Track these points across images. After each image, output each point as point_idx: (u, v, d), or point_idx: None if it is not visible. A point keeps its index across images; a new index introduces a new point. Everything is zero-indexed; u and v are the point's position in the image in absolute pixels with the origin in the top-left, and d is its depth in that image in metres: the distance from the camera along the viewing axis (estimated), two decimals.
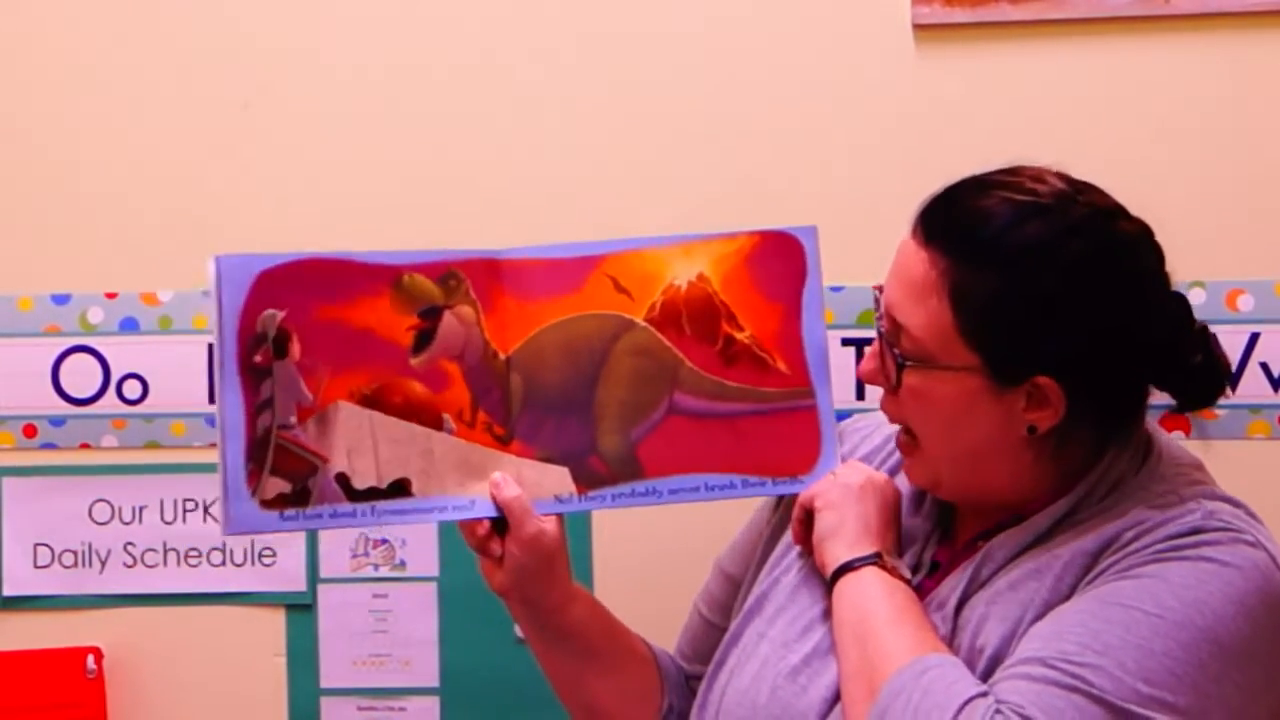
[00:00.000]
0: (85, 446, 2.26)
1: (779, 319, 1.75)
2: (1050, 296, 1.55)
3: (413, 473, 1.68)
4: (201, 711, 2.27)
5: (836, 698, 1.59)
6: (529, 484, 1.69)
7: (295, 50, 2.23)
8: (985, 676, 1.52)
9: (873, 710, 1.50)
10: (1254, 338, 2.10)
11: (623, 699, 1.80)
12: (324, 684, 2.25)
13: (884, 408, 1.67)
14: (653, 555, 2.00)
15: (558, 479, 1.72)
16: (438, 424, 1.69)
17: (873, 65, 2.14)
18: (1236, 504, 1.60)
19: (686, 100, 2.18)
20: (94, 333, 2.25)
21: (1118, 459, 1.62)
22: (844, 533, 1.65)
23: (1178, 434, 2.11)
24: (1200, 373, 1.64)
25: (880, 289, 1.65)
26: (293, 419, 1.65)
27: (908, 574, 1.63)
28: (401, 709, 2.25)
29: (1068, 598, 1.54)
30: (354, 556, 2.24)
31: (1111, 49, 2.11)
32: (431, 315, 1.69)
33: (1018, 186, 1.59)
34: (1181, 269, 2.09)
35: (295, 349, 1.65)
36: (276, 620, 2.26)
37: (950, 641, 1.57)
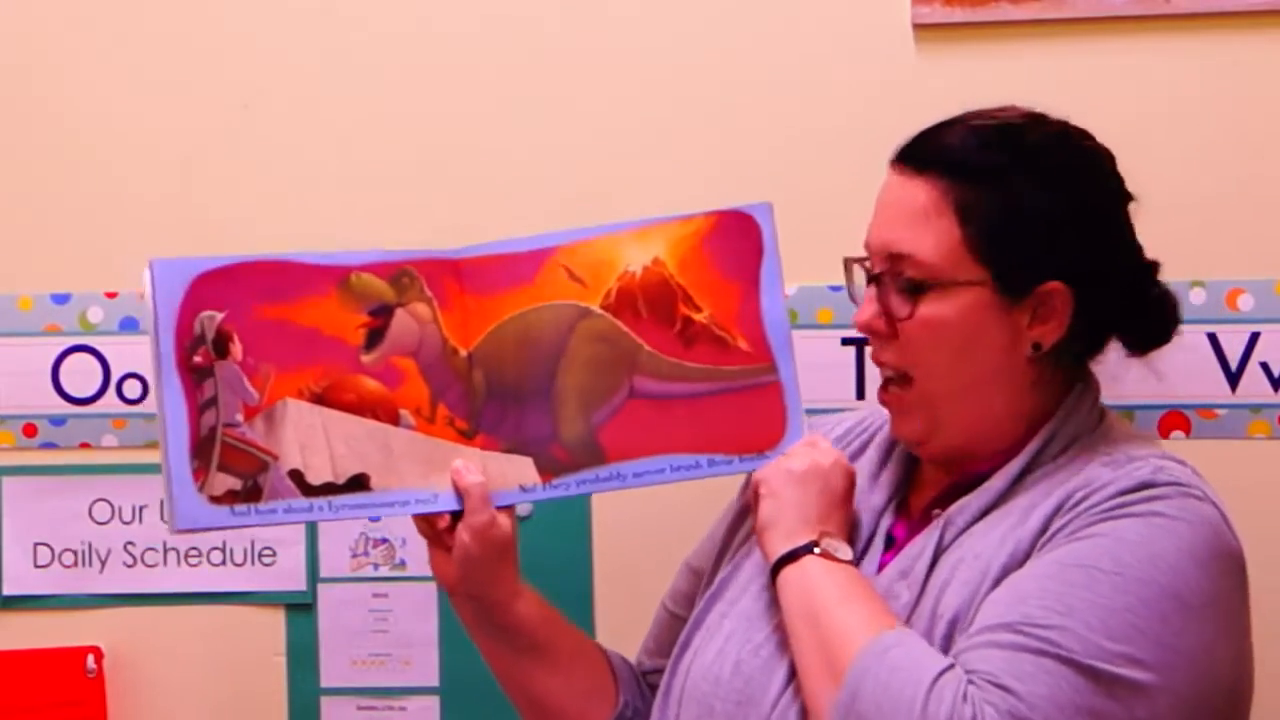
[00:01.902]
0: (85, 446, 2.26)
1: (738, 297, 1.76)
2: (1046, 203, 1.63)
3: (371, 468, 1.69)
4: (201, 711, 2.27)
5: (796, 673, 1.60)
6: (494, 476, 1.71)
7: (295, 51, 2.23)
8: (946, 642, 1.54)
9: (841, 693, 1.51)
10: (1254, 338, 2.09)
11: (571, 696, 1.81)
12: (324, 683, 2.26)
13: (880, 359, 1.68)
14: (653, 556, 1.99)
15: (522, 469, 1.73)
16: (395, 420, 1.71)
17: (873, 65, 2.14)
18: (1184, 463, 1.64)
19: (686, 100, 2.18)
20: (94, 332, 2.25)
21: (1076, 410, 1.66)
22: (781, 523, 1.66)
23: (1178, 434, 2.11)
24: (1159, 305, 1.72)
25: (850, 260, 1.70)
26: (239, 417, 1.67)
27: (847, 555, 1.64)
28: (402, 708, 2.25)
29: (1024, 561, 1.56)
30: (354, 556, 2.24)
31: (1111, 49, 2.11)
32: (383, 313, 1.71)
33: (987, 115, 1.69)
34: (1181, 269, 2.10)
35: (237, 349, 1.67)
36: (276, 620, 2.26)
37: (914, 609, 1.59)
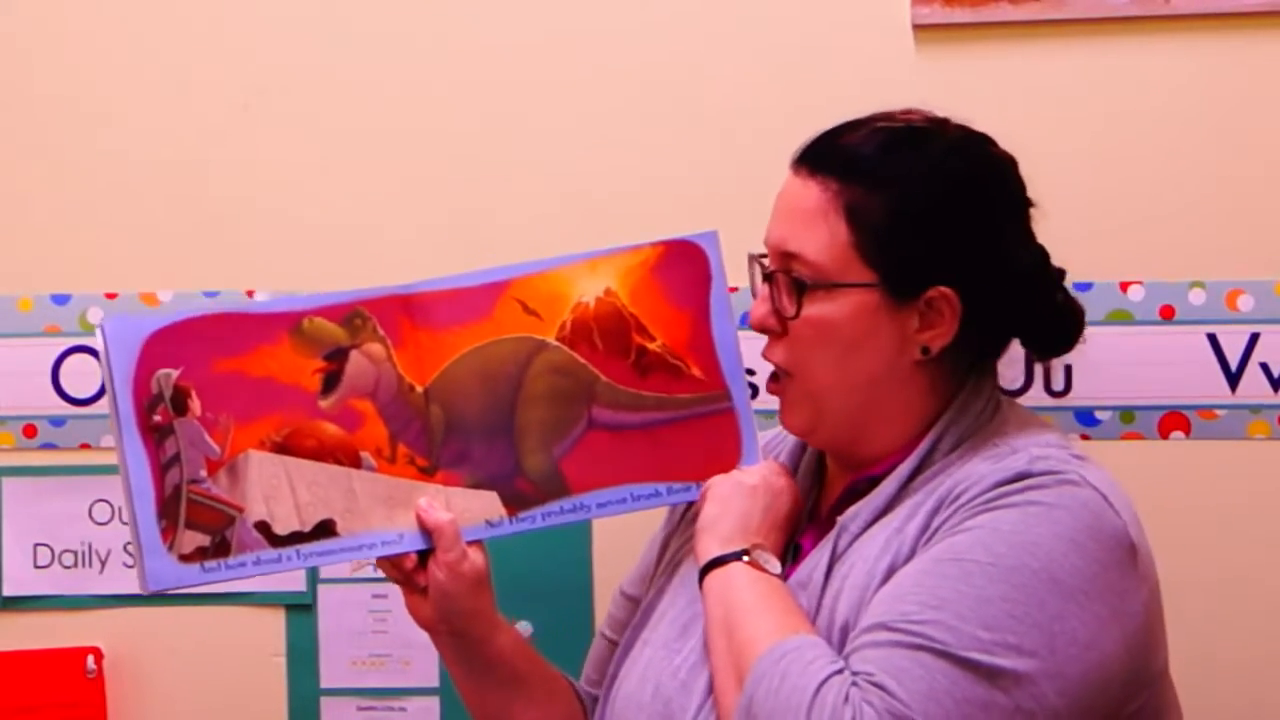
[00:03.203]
0: (85, 447, 2.26)
1: (689, 326, 1.78)
2: (938, 209, 1.64)
3: (336, 513, 1.70)
4: (201, 712, 2.26)
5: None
6: (459, 511, 1.72)
7: (295, 52, 2.23)
8: (841, 650, 1.54)
9: (740, 700, 1.53)
10: (1254, 338, 2.09)
11: None
12: (324, 684, 2.25)
13: (769, 356, 1.70)
14: None
15: (487, 504, 1.74)
16: (356, 463, 1.72)
17: (873, 65, 2.14)
18: (1066, 447, 1.64)
19: (686, 100, 2.18)
20: (94, 333, 2.24)
21: (965, 409, 1.67)
22: (719, 528, 1.68)
23: (1177, 434, 2.11)
24: (1061, 312, 1.72)
25: (754, 258, 1.71)
26: (202, 473, 1.67)
27: (775, 569, 1.65)
28: (401, 709, 2.25)
29: (908, 562, 1.57)
30: None
31: (1111, 49, 2.11)
32: (337, 356, 1.72)
33: (891, 118, 1.70)
34: (1181, 269, 2.10)
35: (195, 404, 1.68)
36: (276, 620, 2.26)
37: (814, 619, 1.60)
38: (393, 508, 1.71)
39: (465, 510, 1.73)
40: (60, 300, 2.25)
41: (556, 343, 1.76)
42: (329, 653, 2.25)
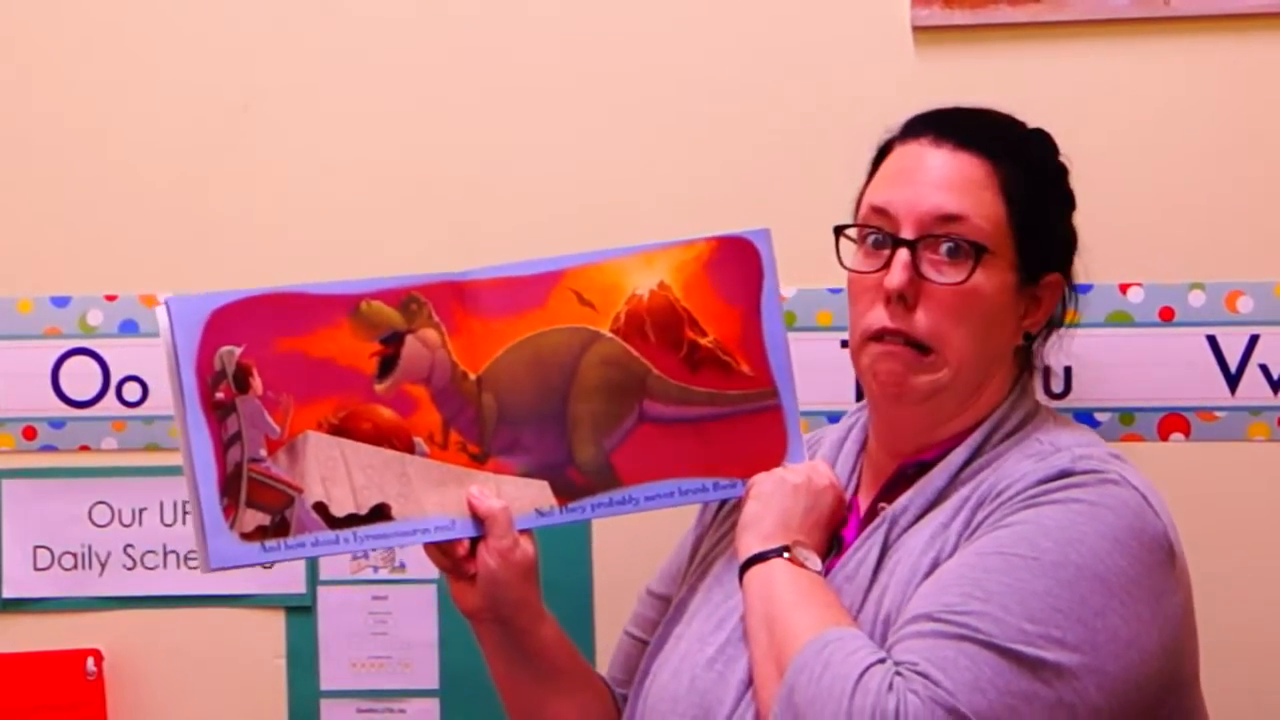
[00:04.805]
0: (85, 449, 2.26)
1: (740, 322, 1.78)
2: (1061, 197, 1.73)
3: (390, 497, 1.70)
4: (201, 713, 2.26)
5: (751, 681, 1.62)
6: (510, 499, 1.72)
7: (295, 52, 2.23)
8: (884, 642, 1.55)
9: (780, 689, 1.54)
10: (1254, 339, 2.09)
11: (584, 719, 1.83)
12: (324, 686, 2.25)
13: (903, 327, 1.66)
14: (653, 562, 1.99)
15: (538, 492, 1.74)
16: (410, 448, 1.72)
17: (873, 66, 2.14)
18: (1104, 447, 1.67)
19: (686, 101, 2.18)
20: (94, 335, 2.25)
21: (1020, 400, 1.70)
22: (762, 525, 1.69)
23: (1177, 436, 2.11)
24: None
25: (857, 227, 1.71)
26: (262, 452, 1.67)
27: (816, 567, 1.66)
28: (401, 711, 2.25)
29: (951, 555, 1.58)
30: (353, 559, 2.23)
31: (1111, 49, 2.11)
32: (393, 340, 1.72)
33: (982, 110, 1.79)
34: (1181, 269, 2.10)
35: (257, 383, 1.68)
36: (276, 622, 2.26)
37: (859, 612, 1.61)
38: (445, 494, 1.72)
39: (516, 498, 1.73)
40: (60, 302, 2.25)
41: (610, 334, 1.76)
42: (329, 654, 2.25)
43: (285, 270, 2.19)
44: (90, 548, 2.27)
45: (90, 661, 2.25)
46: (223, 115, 2.24)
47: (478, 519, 1.71)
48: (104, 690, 2.26)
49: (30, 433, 2.26)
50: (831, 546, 1.71)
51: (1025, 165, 1.70)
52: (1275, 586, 2.10)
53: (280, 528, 1.67)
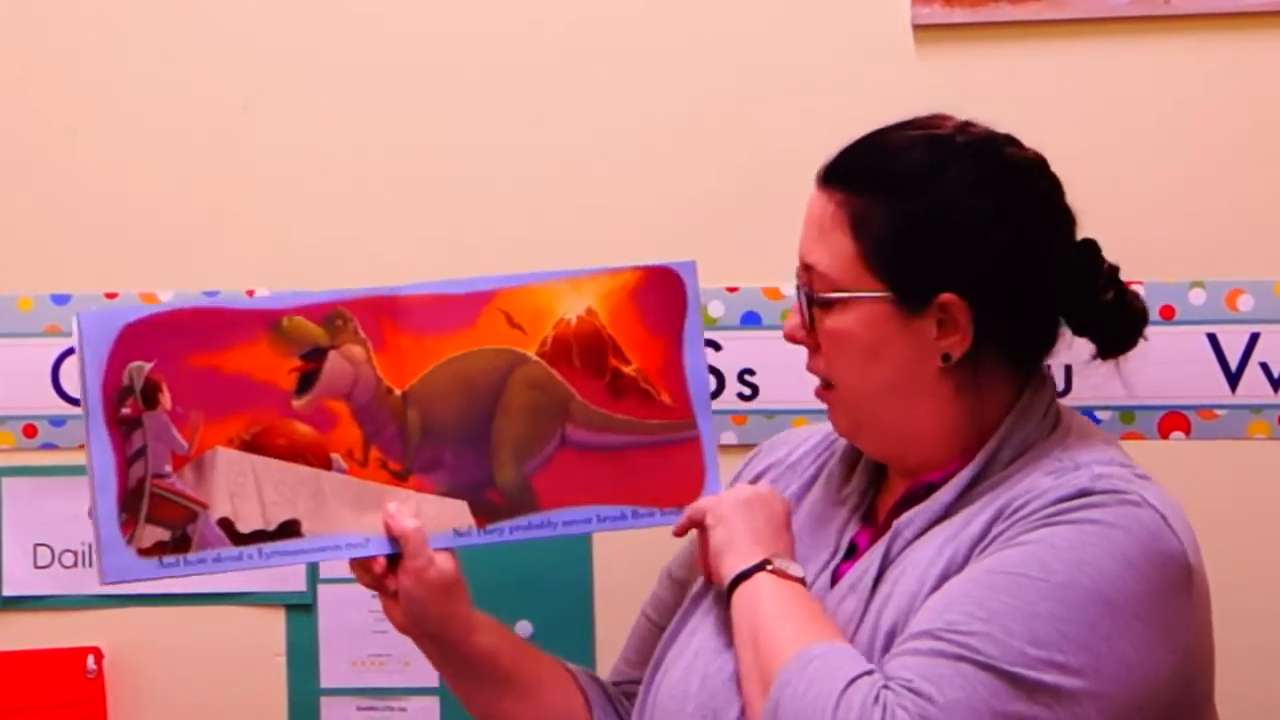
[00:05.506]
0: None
1: (662, 353, 1.79)
2: (941, 216, 1.62)
3: (301, 513, 1.71)
4: (201, 712, 2.26)
5: None
6: (429, 518, 1.72)
7: (295, 53, 2.23)
8: (885, 655, 1.54)
9: (766, 705, 1.53)
10: (1254, 338, 2.09)
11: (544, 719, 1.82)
12: (324, 684, 2.25)
13: (810, 368, 1.70)
14: (653, 562, 1.99)
15: (457, 512, 1.75)
16: (327, 464, 1.72)
17: (873, 65, 2.14)
18: (1128, 465, 1.62)
19: (685, 101, 2.18)
20: None
21: (1024, 417, 1.65)
22: (737, 545, 1.68)
23: (1177, 434, 2.11)
24: (1114, 312, 1.69)
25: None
26: (168, 468, 1.68)
27: (798, 573, 1.65)
28: (401, 709, 2.25)
29: (960, 570, 1.56)
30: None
31: (1111, 49, 2.11)
32: (315, 356, 1.72)
33: (912, 125, 1.68)
34: (1181, 269, 2.10)
35: (166, 399, 1.68)
36: (276, 620, 2.26)
37: (860, 621, 1.59)
38: (361, 511, 1.72)
39: (435, 517, 1.73)
40: (60, 300, 2.25)
41: (537, 358, 1.76)
42: (329, 652, 2.25)
43: (285, 268, 2.20)
44: (90, 546, 2.26)
45: (90, 659, 2.25)
46: (223, 115, 2.24)
47: (393, 538, 1.71)
48: (104, 688, 2.26)
49: (30, 431, 2.26)
50: (846, 552, 1.70)
51: (885, 192, 1.63)
52: (1276, 585, 2.11)
53: (181, 543, 1.68)
